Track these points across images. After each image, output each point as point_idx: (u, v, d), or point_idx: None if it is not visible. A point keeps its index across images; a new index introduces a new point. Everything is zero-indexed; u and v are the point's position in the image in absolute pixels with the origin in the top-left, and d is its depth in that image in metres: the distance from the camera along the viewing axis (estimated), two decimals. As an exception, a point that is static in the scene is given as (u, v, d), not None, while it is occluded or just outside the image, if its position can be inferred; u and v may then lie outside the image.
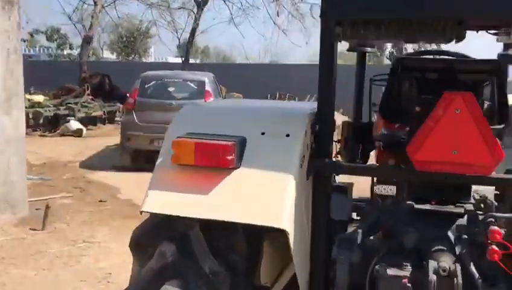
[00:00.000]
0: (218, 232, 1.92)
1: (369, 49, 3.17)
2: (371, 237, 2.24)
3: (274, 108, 2.68)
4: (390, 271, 2.05)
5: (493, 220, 2.08)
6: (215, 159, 1.89)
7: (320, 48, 2.11)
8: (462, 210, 2.31)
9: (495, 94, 2.32)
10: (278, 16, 14.59)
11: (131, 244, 2.04)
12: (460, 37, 2.13)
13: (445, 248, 2.13)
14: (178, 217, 1.89)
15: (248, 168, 1.94)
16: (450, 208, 2.32)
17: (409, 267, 2.07)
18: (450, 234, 2.20)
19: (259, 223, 1.83)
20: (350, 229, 2.42)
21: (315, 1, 15.53)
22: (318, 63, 2.11)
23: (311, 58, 39.09)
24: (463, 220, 2.23)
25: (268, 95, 20.28)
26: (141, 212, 1.97)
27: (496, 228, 2.01)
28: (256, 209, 1.86)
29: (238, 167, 1.93)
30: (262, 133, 2.02)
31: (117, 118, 18.55)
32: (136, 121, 10.24)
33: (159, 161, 2.04)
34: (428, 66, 2.33)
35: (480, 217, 2.14)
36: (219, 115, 2.24)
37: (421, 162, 2.04)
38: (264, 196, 1.88)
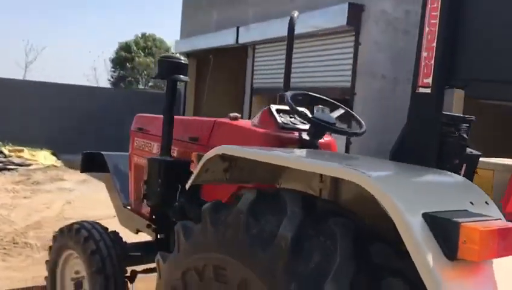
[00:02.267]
0: None
1: None
2: None
3: (414, 168, 2.30)
4: None
5: None
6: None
7: None
8: None
9: None
10: None
11: None
12: None
13: None
14: None
15: None
16: None
17: None
18: None
19: None
20: None
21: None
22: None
23: None
24: None
25: None
26: None
27: None
28: None
29: None
30: (471, 203, 1.78)
31: None
32: None
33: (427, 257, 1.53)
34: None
35: None
36: (419, 183, 1.91)
37: (509, 215, 2.20)
38: None
